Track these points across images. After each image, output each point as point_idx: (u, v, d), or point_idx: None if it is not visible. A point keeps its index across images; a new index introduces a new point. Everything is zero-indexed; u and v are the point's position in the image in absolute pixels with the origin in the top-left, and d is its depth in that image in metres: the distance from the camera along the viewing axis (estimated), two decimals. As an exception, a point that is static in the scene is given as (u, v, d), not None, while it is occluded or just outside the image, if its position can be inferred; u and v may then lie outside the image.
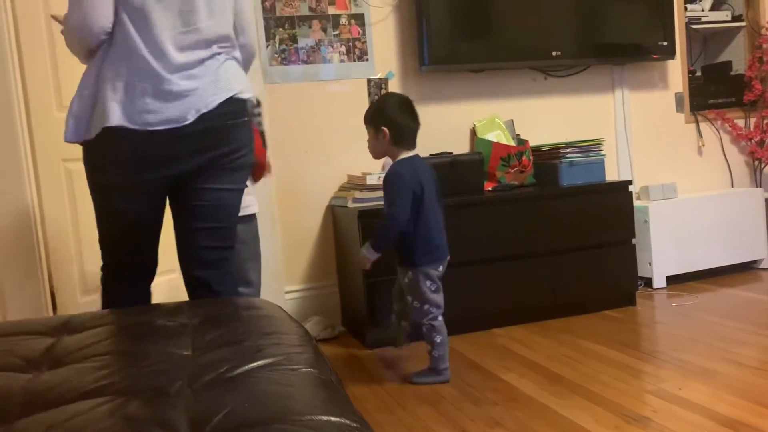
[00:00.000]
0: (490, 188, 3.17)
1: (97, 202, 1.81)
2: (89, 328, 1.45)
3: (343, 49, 3.22)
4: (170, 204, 1.85)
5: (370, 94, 3.25)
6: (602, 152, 3.26)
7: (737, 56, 3.95)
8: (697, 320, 2.90)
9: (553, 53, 3.37)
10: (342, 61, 3.22)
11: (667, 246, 3.46)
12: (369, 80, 3.26)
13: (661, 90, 3.78)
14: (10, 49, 2.51)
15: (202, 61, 1.72)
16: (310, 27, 3.17)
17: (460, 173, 3.09)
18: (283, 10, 3.13)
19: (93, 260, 2.44)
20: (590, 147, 3.23)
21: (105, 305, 1.88)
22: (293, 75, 3.16)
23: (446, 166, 3.08)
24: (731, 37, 3.96)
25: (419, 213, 2.31)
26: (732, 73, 3.95)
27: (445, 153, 3.15)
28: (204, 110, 1.69)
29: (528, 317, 3.04)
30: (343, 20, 3.22)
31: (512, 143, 3.32)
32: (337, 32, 3.21)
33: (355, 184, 3.05)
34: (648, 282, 3.48)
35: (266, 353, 1.18)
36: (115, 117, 1.64)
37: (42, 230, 2.82)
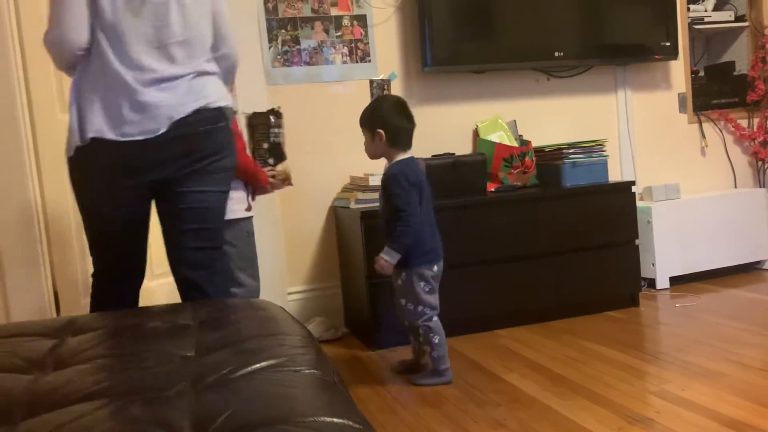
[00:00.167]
0: (492, 189, 3.17)
1: (84, 210, 1.89)
2: (93, 330, 1.45)
3: (346, 50, 3.22)
4: (156, 209, 1.91)
5: (372, 95, 3.25)
6: (605, 153, 3.25)
7: (740, 56, 3.95)
8: (701, 321, 2.90)
9: (556, 54, 3.37)
10: (344, 62, 3.22)
11: (671, 247, 3.46)
12: (371, 81, 3.26)
13: (664, 90, 3.77)
14: (14, 51, 2.51)
15: (177, 74, 1.80)
16: (312, 28, 3.17)
17: (462, 174, 3.08)
18: (286, 12, 3.14)
19: (96, 261, 2.43)
20: (593, 148, 3.23)
21: (92, 311, 1.94)
22: (296, 76, 3.16)
23: (449, 167, 3.08)
24: (734, 37, 3.95)
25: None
26: (735, 73, 3.95)
27: (448, 154, 3.15)
28: (177, 117, 1.77)
29: (531, 318, 3.03)
30: (346, 21, 3.22)
31: (515, 144, 3.32)
32: (339, 33, 3.21)
33: (357, 185, 3.05)
34: (651, 283, 3.48)
35: (269, 354, 1.18)
36: (94, 129, 1.73)
37: (45, 232, 2.82)
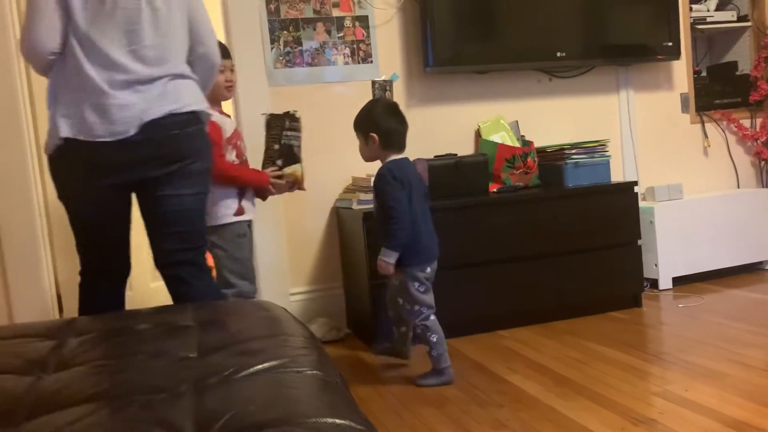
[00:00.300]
0: (494, 190, 3.16)
1: (67, 209, 1.96)
2: (94, 331, 1.45)
3: (348, 51, 3.22)
4: (139, 211, 1.99)
5: (374, 96, 3.25)
6: (607, 153, 3.25)
7: (743, 56, 3.94)
8: (704, 321, 2.89)
9: (558, 54, 3.36)
10: (346, 63, 3.22)
11: (673, 247, 3.45)
12: (373, 82, 3.26)
13: (666, 90, 3.77)
14: (17, 52, 2.52)
15: (149, 77, 1.85)
16: (314, 29, 3.17)
17: (464, 175, 3.08)
18: (288, 13, 3.14)
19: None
20: (595, 148, 3.23)
21: (79, 310, 2.00)
22: (298, 77, 3.16)
23: (451, 167, 3.07)
24: (737, 37, 3.95)
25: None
26: (738, 73, 3.94)
27: (450, 154, 3.15)
28: (146, 120, 1.83)
29: (533, 319, 3.03)
30: (348, 22, 3.22)
31: (517, 144, 3.32)
32: (341, 34, 3.21)
33: (359, 185, 3.05)
34: (654, 283, 3.47)
35: (271, 355, 1.18)
36: (65, 130, 1.80)
37: (48, 233, 2.83)
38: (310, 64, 3.18)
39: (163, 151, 1.88)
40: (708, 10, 3.81)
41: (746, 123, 3.91)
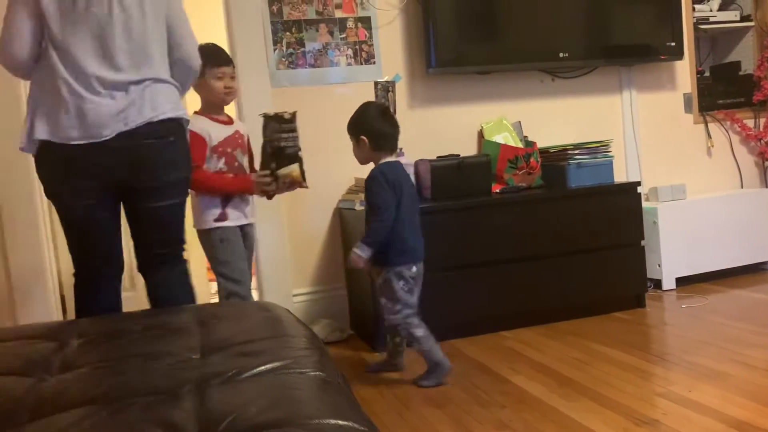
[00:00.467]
0: (497, 190, 3.16)
1: (56, 209, 2.02)
2: (97, 332, 1.46)
3: (350, 52, 3.23)
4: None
5: (377, 97, 3.25)
6: (610, 153, 3.24)
7: (746, 56, 3.93)
8: (707, 322, 2.88)
9: (561, 55, 3.36)
10: (349, 64, 3.23)
11: (677, 247, 3.45)
12: (376, 83, 3.26)
13: (669, 91, 3.76)
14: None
15: (124, 82, 1.90)
16: (317, 31, 3.18)
17: (467, 175, 3.08)
18: (290, 14, 3.14)
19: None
20: (598, 148, 3.22)
21: (76, 310, 2.05)
22: (300, 78, 3.17)
23: (454, 168, 3.07)
24: (740, 37, 3.94)
25: (395, 214, 2.39)
26: (741, 73, 3.93)
27: (453, 155, 3.15)
28: (123, 129, 1.88)
29: (536, 319, 3.03)
30: (350, 23, 3.22)
31: (520, 145, 3.32)
32: (344, 35, 3.21)
33: (362, 186, 3.05)
34: (657, 284, 3.46)
35: (274, 356, 1.18)
36: (43, 132, 1.87)
37: (52, 235, 2.83)
38: (312, 66, 3.18)
39: (139, 160, 1.93)
40: (711, 10, 3.81)
41: (750, 123, 3.91)
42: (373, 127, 2.42)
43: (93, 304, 2.01)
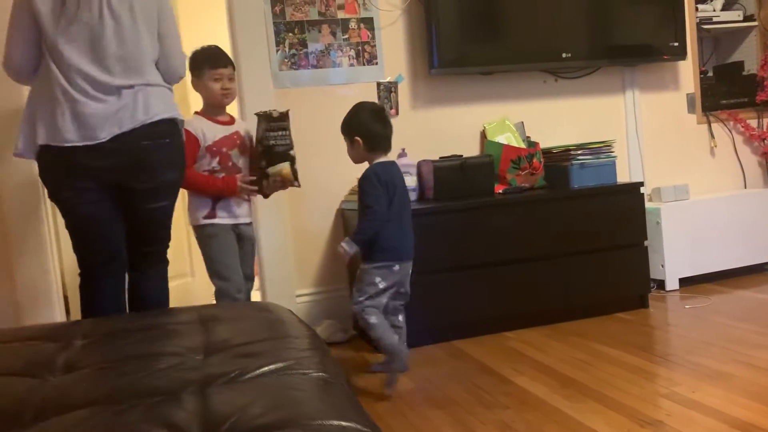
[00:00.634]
0: (500, 191, 3.16)
1: (61, 211, 2.09)
2: (100, 333, 1.46)
3: (353, 53, 3.23)
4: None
5: (379, 97, 3.25)
6: (613, 154, 3.24)
7: (749, 56, 3.93)
8: (710, 322, 2.88)
9: (563, 55, 3.36)
10: (351, 65, 3.23)
11: (680, 248, 3.44)
12: (379, 84, 3.26)
13: (672, 91, 3.76)
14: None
15: (117, 86, 1.98)
16: (319, 31, 3.18)
17: (470, 176, 3.08)
18: (293, 15, 3.15)
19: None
20: (601, 149, 3.22)
21: (82, 310, 2.11)
22: (303, 79, 3.17)
23: (456, 168, 3.07)
24: (743, 37, 3.93)
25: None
26: (744, 73, 3.93)
27: (455, 156, 3.15)
28: (118, 132, 1.96)
29: (539, 320, 3.02)
30: (353, 24, 3.22)
31: (523, 145, 3.32)
32: (346, 36, 3.22)
33: (365, 187, 3.05)
34: (660, 284, 3.46)
35: (277, 357, 1.18)
36: (41, 137, 1.95)
37: (56, 236, 2.84)
38: (315, 66, 3.18)
39: (135, 161, 2.01)
40: (714, 10, 3.80)
41: (753, 123, 3.90)
42: (367, 128, 2.44)
43: (98, 300, 2.07)
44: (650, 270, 3.22)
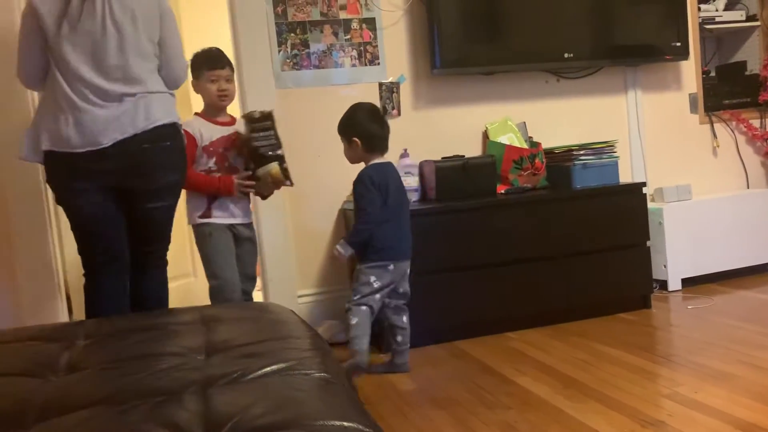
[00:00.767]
0: (502, 191, 3.16)
1: (66, 214, 2.15)
2: (102, 333, 1.46)
3: (355, 53, 3.23)
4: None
5: (381, 98, 3.25)
6: (615, 154, 3.24)
7: (752, 56, 3.92)
8: (713, 323, 2.87)
9: (566, 55, 3.36)
10: (354, 65, 3.23)
11: (682, 248, 3.44)
12: (381, 84, 3.26)
13: (674, 91, 3.75)
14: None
15: (119, 94, 2.04)
16: (321, 32, 3.18)
17: (472, 176, 3.08)
18: (295, 16, 3.15)
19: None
20: (603, 149, 3.21)
21: (86, 310, 2.16)
22: (305, 80, 3.17)
23: (458, 169, 3.07)
24: (745, 36, 3.93)
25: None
26: (746, 73, 3.92)
27: (457, 156, 3.15)
28: (120, 137, 2.02)
29: (541, 320, 3.02)
30: (355, 24, 3.22)
31: (525, 146, 3.31)
32: (348, 37, 3.22)
33: (367, 187, 3.05)
34: (663, 284, 3.45)
35: (278, 358, 1.18)
36: (45, 143, 2.02)
37: (59, 237, 2.84)
38: (317, 67, 3.18)
39: (137, 164, 2.07)
40: (716, 10, 3.80)
41: (756, 123, 3.89)
42: (365, 129, 2.45)
43: (101, 300, 2.11)
44: (653, 270, 3.22)
